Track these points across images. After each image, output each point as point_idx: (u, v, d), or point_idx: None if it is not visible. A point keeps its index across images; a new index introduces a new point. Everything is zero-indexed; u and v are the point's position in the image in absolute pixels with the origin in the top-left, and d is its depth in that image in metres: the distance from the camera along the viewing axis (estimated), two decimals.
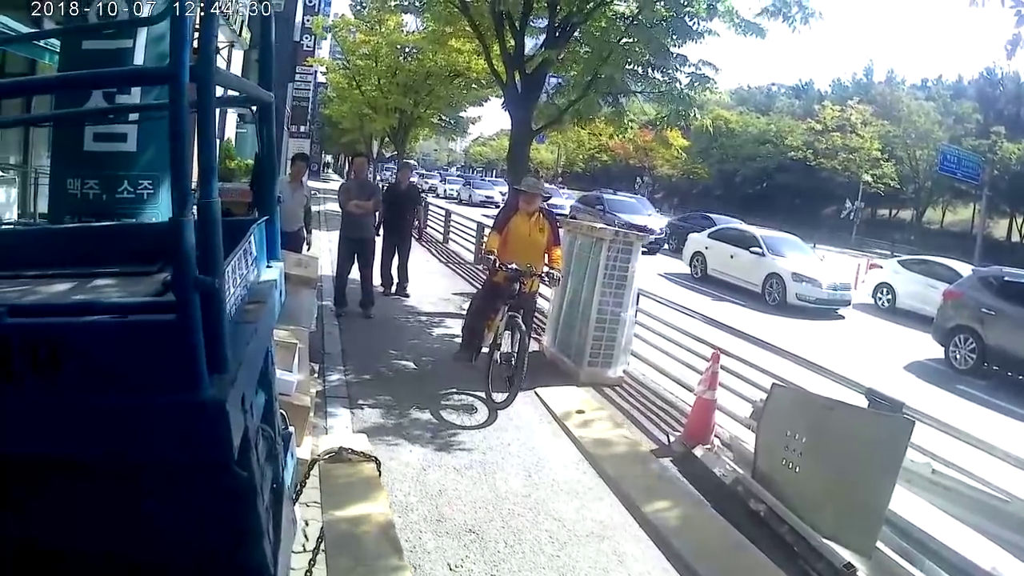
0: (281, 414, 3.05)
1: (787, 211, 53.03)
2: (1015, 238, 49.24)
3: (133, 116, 5.38)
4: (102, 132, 5.27)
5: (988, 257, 36.33)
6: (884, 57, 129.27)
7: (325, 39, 36.40)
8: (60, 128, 5.55)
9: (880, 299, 19.19)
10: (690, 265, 21.06)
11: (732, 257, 19.28)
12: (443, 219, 21.52)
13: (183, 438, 1.74)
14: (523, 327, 7.06)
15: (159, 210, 5.41)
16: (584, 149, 64.85)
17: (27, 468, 1.78)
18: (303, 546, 4.10)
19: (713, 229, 21.87)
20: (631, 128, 13.47)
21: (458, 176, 57.19)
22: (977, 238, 42.17)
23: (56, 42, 7.84)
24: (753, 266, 18.38)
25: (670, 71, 11.23)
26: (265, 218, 2.80)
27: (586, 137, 63.35)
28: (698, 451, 6.20)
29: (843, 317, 17.44)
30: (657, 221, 27.07)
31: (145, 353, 1.71)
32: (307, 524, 4.44)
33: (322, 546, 3.83)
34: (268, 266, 2.78)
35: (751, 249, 18.67)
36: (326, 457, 4.55)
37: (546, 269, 7.50)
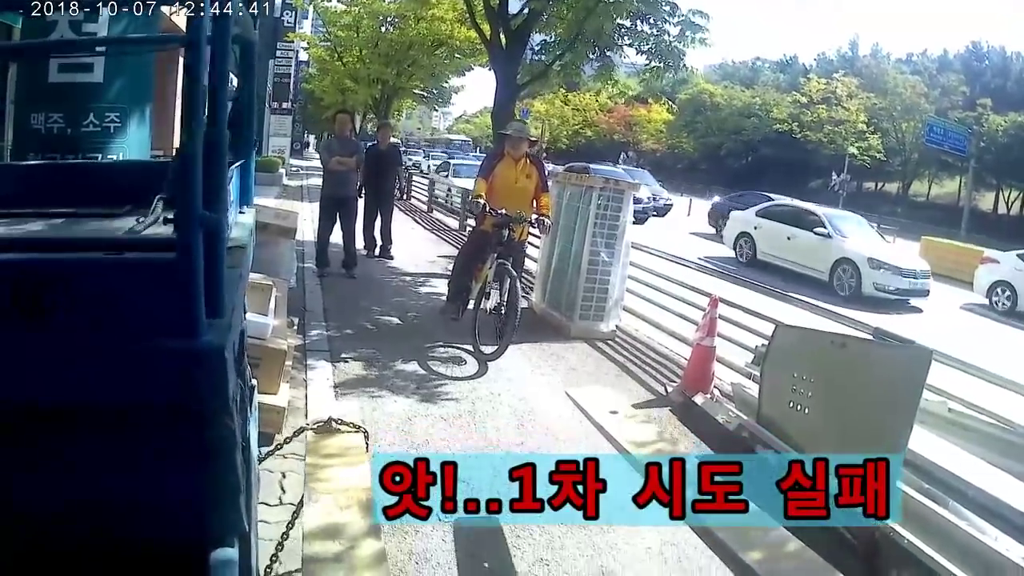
0: (248, 366, 2.87)
1: (773, 184, 52.76)
2: (1001, 210, 49.25)
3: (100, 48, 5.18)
4: (67, 63, 5.03)
5: (975, 230, 36.30)
6: (869, 32, 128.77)
7: (307, 18, 35.99)
8: (25, 62, 5.31)
9: (997, 300, 16.08)
10: (734, 248, 18.52)
11: (789, 239, 16.50)
12: (427, 188, 21.19)
13: (178, 386, 1.58)
14: (513, 273, 6.74)
15: (126, 145, 5.23)
16: (568, 125, 64.72)
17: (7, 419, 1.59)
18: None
19: (762, 206, 19.05)
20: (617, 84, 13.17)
21: (442, 152, 56.47)
22: (964, 211, 42.03)
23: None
24: (818, 250, 15.62)
25: (659, 22, 10.89)
26: (240, 162, 2.68)
27: (570, 113, 63.79)
28: (698, 399, 5.92)
29: (920, 310, 14.74)
30: (643, 191, 26.65)
31: (141, 294, 1.57)
32: (284, 476, 4.25)
33: (300, 515, 3.56)
34: (241, 211, 2.68)
35: (815, 230, 15.82)
36: (314, 426, 4.28)
37: (535, 216, 7.17)
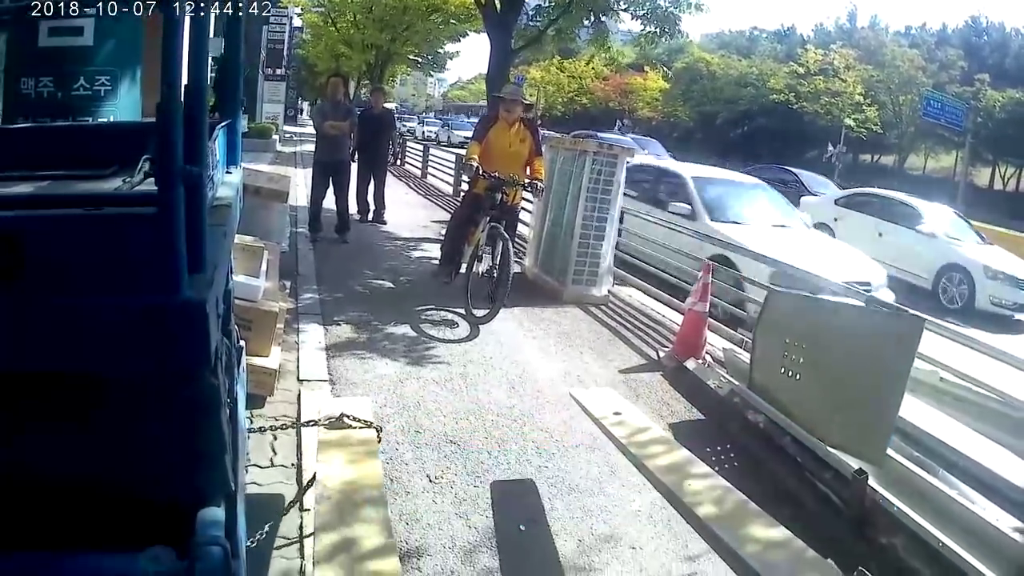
0: (235, 328, 2.88)
1: (768, 154, 52.59)
2: (997, 186, 49.20)
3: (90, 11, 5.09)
4: (57, 26, 4.94)
5: (970, 205, 36.20)
6: (867, 4, 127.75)
7: None
8: (15, 26, 5.23)
9: None
10: None
11: (881, 235, 13.72)
12: (422, 154, 21.07)
13: (159, 342, 1.53)
14: (506, 236, 6.71)
15: (117, 108, 5.14)
16: (563, 92, 64.33)
17: None
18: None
19: (844, 194, 16.60)
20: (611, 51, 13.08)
21: (436, 118, 55.94)
22: (959, 185, 41.86)
23: None
24: (919, 252, 12.97)
25: None
26: (227, 122, 2.64)
27: (565, 80, 63.38)
28: (690, 364, 5.92)
29: None
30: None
31: (120, 250, 1.52)
32: (275, 438, 4.16)
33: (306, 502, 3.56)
34: (228, 171, 2.64)
35: (916, 228, 13.26)
36: (325, 422, 4.28)
37: (528, 180, 7.13)
